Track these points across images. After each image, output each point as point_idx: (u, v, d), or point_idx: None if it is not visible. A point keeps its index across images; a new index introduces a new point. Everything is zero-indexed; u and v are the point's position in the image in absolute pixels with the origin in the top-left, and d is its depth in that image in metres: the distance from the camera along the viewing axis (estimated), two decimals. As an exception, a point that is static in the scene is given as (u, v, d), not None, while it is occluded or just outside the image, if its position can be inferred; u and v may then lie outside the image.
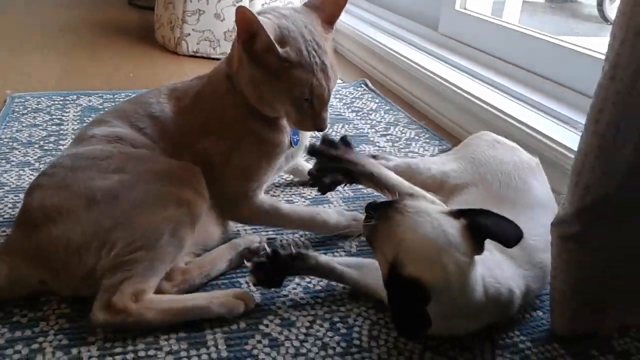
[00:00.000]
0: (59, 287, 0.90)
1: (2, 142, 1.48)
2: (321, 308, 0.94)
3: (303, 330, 0.89)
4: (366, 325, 0.91)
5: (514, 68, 1.72)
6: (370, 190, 1.18)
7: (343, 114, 1.81)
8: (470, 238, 0.79)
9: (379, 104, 1.91)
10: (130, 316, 0.84)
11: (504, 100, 1.59)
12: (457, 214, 0.82)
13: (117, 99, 1.80)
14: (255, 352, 0.84)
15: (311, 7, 1.02)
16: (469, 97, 1.64)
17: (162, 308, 0.87)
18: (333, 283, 0.99)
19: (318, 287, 0.99)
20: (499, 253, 0.88)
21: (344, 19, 2.43)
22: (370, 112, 1.83)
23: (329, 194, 1.26)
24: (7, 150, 1.43)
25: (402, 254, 0.77)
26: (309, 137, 1.20)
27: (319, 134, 1.10)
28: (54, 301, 0.91)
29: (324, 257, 0.96)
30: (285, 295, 0.96)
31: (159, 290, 0.90)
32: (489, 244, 0.81)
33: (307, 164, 1.31)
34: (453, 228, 0.80)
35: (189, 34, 2.34)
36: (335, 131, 1.65)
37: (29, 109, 1.70)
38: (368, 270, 0.95)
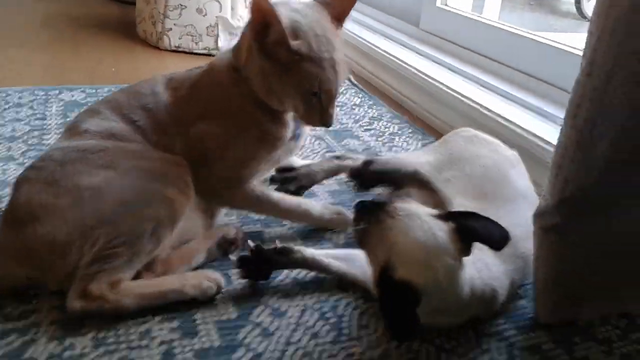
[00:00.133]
0: (46, 282, 0.91)
1: (-15, 137, 1.47)
2: (311, 298, 0.96)
3: (294, 320, 0.91)
4: (355, 314, 0.93)
5: (493, 63, 1.75)
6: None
7: (327, 108, 1.82)
8: (458, 240, 0.81)
9: (363, 99, 1.93)
10: (107, 303, 0.86)
11: (484, 94, 1.62)
12: (445, 216, 0.83)
13: (99, 94, 1.79)
14: (247, 341, 0.86)
15: (322, 4, 1.03)
16: (450, 92, 1.66)
17: (138, 293, 0.89)
18: (321, 275, 1.01)
19: (307, 278, 1.01)
20: (487, 249, 0.90)
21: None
22: (354, 107, 1.85)
23: (314, 187, 1.28)
24: (-10, 145, 1.42)
25: (394, 257, 0.78)
26: (307, 133, 1.21)
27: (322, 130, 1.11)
28: (46, 294, 0.92)
29: (309, 251, 0.98)
30: (275, 287, 0.98)
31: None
32: None
33: (299, 160, 1.32)
34: (442, 231, 0.81)
35: (171, 29, 2.33)
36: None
37: (11, 104, 1.68)
38: (354, 261, 0.97)
